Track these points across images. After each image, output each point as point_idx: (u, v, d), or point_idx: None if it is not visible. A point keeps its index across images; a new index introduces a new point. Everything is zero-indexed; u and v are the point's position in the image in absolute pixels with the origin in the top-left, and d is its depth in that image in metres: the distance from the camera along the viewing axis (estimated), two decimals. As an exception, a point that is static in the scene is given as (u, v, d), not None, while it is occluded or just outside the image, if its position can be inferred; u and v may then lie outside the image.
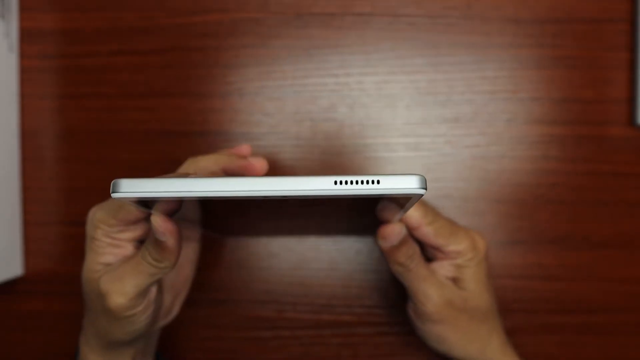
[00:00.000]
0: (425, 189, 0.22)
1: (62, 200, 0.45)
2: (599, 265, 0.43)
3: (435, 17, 0.43)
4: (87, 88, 0.44)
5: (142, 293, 0.30)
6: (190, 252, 0.38)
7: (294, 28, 0.43)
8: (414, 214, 0.33)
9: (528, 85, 0.43)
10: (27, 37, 0.44)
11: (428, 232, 0.34)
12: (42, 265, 0.45)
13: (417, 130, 0.43)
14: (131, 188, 0.23)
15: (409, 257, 0.33)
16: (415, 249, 0.34)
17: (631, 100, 0.42)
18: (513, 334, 0.42)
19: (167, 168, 0.44)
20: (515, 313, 0.43)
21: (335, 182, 0.22)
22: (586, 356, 0.43)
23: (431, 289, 0.34)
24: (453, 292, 0.35)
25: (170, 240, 0.28)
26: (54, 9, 0.44)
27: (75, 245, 0.45)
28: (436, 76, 0.43)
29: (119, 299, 0.30)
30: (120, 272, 0.30)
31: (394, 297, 0.44)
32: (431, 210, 0.34)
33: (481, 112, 0.43)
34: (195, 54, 0.44)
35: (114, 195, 0.23)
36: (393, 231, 0.32)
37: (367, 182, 0.22)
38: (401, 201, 0.25)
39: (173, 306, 0.37)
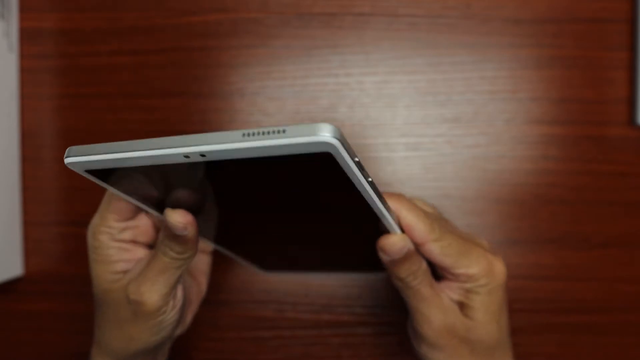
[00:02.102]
0: (340, 140, 0.20)
1: (62, 200, 0.45)
2: (599, 265, 0.43)
3: (435, 17, 0.43)
4: (87, 88, 0.44)
5: (172, 289, 0.30)
6: (202, 265, 0.38)
7: (294, 28, 0.43)
8: (418, 226, 0.29)
9: (528, 85, 0.43)
10: (27, 37, 0.44)
11: (433, 250, 0.30)
12: (42, 265, 0.45)
13: (417, 130, 0.43)
14: (80, 152, 0.23)
15: (412, 274, 0.30)
16: (421, 264, 0.31)
17: (631, 100, 0.42)
18: (513, 334, 0.42)
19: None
20: (515, 313, 0.43)
21: (244, 135, 0.21)
22: (586, 356, 0.43)
23: (432, 312, 0.31)
24: (456, 319, 0.31)
25: (191, 231, 0.28)
26: (54, 9, 0.44)
27: (75, 245, 0.45)
28: (436, 76, 0.43)
29: (153, 299, 0.30)
30: (147, 275, 0.30)
31: (394, 297, 0.44)
32: (440, 226, 0.30)
33: (481, 112, 0.43)
34: (195, 54, 0.44)
35: (66, 160, 0.23)
36: (394, 245, 0.29)
37: (274, 132, 0.21)
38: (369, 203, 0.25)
39: (186, 316, 0.37)
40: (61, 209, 0.45)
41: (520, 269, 0.43)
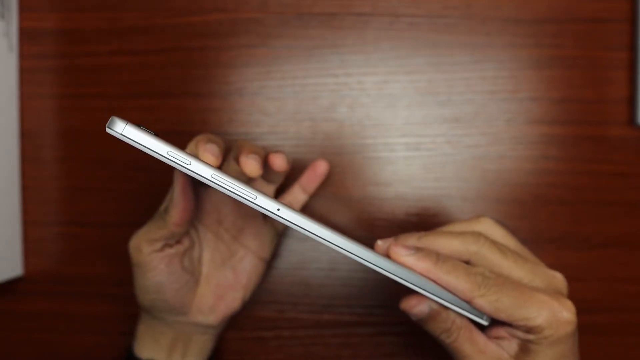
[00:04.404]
0: None
1: (62, 200, 0.45)
2: (599, 265, 0.43)
3: (435, 17, 0.43)
4: (87, 88, 0.44)
5: (151, 242, 0.34)
6: (248, 265, 0.39)
7: (294, 28, 0.43)
8: (459, 287, 0.28)
9: (528, 85, 0.43)
10: (27, 37, 0.44)
11: (483, 306, 0.28)
12: (42, 265, 0.45)
13: (417, 130, 0.43)
14: (123, 130, 0.26)
15: (444, 332, 0.30)
16: (454, 322, 0.30)
17: (631, 100, 0.43)
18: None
19: (166, 167, 0.44)
20: (515, 313, 0.43)
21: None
22: (586, 356, 0.43)
23: None
24: None
25: (177, 185, 0.32)
26: (54, 9, 0.44)
27: (75, 245, 0.45)
28: (436, 76, 0.43)
29: (133, 242, 0.34)
30: (144, 226, 0.35)
31: (394, 297, 0.44)
32: (486, 279, 0.29)
33: (481, 112, 0.43)
34: (195, 54, 0.44)
35: (107, 130, 0.26)
36: (412, 308, 0.29)
37: None
38: None
39: (215, 307, 0.38)
40: (61, 209, 0.45)
41: (520, 269, 0.43)
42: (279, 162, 0.34)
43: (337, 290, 0.44)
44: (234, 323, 0.44)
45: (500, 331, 0.30)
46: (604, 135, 0.43)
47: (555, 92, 0.43)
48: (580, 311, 0.43)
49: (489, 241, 0.31)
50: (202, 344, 0.38)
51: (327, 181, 0.43)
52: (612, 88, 0.43)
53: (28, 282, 0.45)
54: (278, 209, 0.26)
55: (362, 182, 0.43)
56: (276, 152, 0.35)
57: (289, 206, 0.27)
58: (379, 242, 0.31)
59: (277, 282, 0.44)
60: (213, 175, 0.26)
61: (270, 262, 0.44)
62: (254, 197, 0.26)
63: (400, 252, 0.29)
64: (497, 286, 0.28)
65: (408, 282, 0.28)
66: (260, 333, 0.44)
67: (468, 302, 0.29)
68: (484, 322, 0.29)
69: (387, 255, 0.30)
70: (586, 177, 0.43)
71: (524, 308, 0.28)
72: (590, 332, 0.43)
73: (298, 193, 0.41)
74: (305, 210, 0.43)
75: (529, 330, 0.28)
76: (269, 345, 0.44)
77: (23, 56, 0.44)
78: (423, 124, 0.43)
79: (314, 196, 0.43)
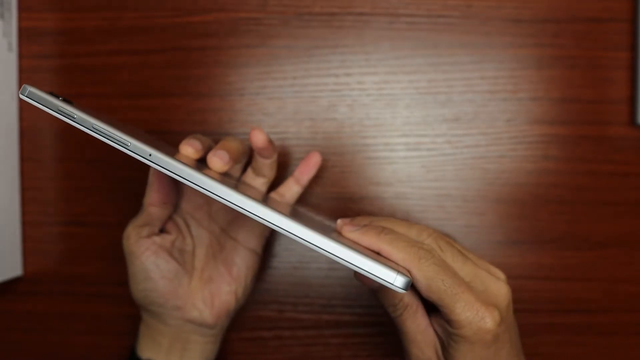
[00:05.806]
0: None
1: (62, 200, 0.45)
2: (599, 265, 0.43)
3: (435, 17, 0.43)
4: (87, 88, 0.44)
5: (137, 228, 0.36)
6: (237, 257, 0.38)
7: (294, 28, 0.43)
8: (397, 256, 0.29)
9: (528, 85, 0.43)
10: (26, 37, 0.44)
11: (417, 279, 0.28)
12: (42, 265, 0.45)
13: (417, 130, 0.43)
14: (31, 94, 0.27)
15: (391, 305, 0.30)
16: (402, 299, 0.30)
17: (631, 100, 0.42)
18: (513, 334, 0.42)
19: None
20: (515, 313, 0.43)
21: None
22: (586, 356, 0.43)
23: (409, 347, 0.31)
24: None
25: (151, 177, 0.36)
26: (53, 9, 0.44)
27: (74, 245, 0.45)
28: (436, 76, 0.43)
29: (124, 233, 0.36)
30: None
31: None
32: (428, 257, 0.29)
33: (481, 112, 0.43)
34: (195, 54, 0.44)
35: (20, 95, 0.27)
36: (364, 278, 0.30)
37: None
38: None
39: (209, 303, 0.37)
40: (61, 209, 0.45)
41: (520, 269, 0.43)
42: (256, 137, 0.35)
43: (337, 291, 0.44)
44: (233, 323, 0.44)
45: (436, 321, 0.31)
46: (604, 135, 0.43)
47: (555, 92, 0.43)
48: (580, 311, 0.43)
49: (435, 235, 0.31)
50: (201, 347, 0.38)
51: (327, 181, 0.43)
52: (612, 88, 0.43)
53: (28, 282, 0.45)
54: (150, 155, 0.27)
55: (362, 182, 0.43)
56: (256, 127, 0.36)
57: (164, 153, 0.27)
58: (338, 221, 0.32)
59: (276, 282, 0.44)
60: (94, 126, 0.27)
61: (267, 261, 0.44)
62: (128, 144, 0.27)
63: (348, 229, 0.31)
64: (438, 266, 0.28)
65: (317, 246, 0.28)
66: (259, 333, 0.44)
67: (409, 271, 0.28)
68: (399, 289, 0.26)
69: (339, 233, 0.31)
70: (586, 177, 0.43)
71: (452, 299, 0.28)
72: (590, 332, 0.43)
73: (292, 185, 0.40)
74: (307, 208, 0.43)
75: (449, 322, 0.29)
76: (268, 346, 0.44)
77: (23, 56, 0.44)
78: (423, 124, 0.43)
79: (315, 195, 0.43)
